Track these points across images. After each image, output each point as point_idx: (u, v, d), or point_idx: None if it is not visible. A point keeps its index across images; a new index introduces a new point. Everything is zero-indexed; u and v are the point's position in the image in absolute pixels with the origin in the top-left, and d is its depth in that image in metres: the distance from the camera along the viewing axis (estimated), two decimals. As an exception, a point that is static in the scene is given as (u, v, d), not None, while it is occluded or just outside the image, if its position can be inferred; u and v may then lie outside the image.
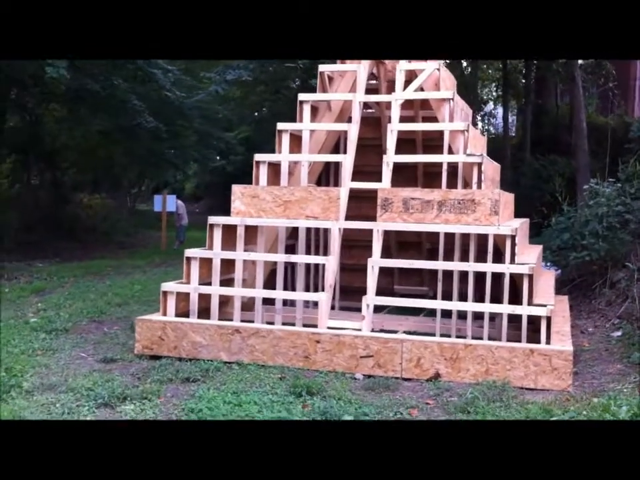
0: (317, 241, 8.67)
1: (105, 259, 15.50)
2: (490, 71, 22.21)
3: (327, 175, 8.57)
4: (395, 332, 6.97)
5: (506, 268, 6.09)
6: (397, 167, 8.30)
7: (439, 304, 6.43)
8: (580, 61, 16.74)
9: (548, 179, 12.33)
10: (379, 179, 7.19)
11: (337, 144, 8.15)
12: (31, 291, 10.46)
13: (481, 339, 6.29)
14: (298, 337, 6.07)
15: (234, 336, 6.18)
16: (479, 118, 20.59)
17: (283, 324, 6.75)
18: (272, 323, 6.73)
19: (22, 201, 19.87)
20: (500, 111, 30.49)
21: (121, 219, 24.22)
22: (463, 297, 6.72)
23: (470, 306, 6.33)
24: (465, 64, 21.28)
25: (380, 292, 8.70)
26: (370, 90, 7.94)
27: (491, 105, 25.65)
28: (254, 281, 7.53)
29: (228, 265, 6.95)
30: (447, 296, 6.97)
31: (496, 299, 6.55)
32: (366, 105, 7.89)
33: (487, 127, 22.98)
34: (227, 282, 7.00)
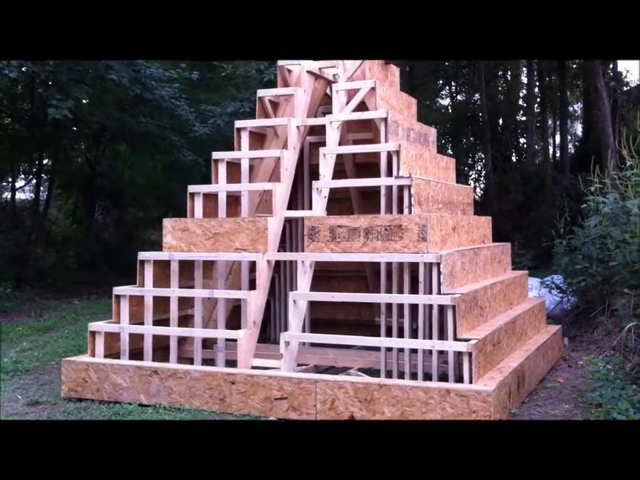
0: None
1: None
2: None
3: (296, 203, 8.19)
4: (349, 369, 6.48)
5: (427, 299, 5.51)
6: (365, 193, 7.90)
7: (361, 340, 5.90)
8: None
9: (577, 198, 11.37)
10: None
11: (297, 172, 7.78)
12: (37, 329, 10.61)
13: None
14: (213, 378, 5.72)
15: (152, 377, 5.91)
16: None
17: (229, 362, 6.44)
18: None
19: (84, 239, 20.53)
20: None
21: (187, 255, 24.49)
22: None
23: (390, 342, 5.80)
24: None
25: (361, 325, 8.30)
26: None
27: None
28: (210, 319, 7.29)
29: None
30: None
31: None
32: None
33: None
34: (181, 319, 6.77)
